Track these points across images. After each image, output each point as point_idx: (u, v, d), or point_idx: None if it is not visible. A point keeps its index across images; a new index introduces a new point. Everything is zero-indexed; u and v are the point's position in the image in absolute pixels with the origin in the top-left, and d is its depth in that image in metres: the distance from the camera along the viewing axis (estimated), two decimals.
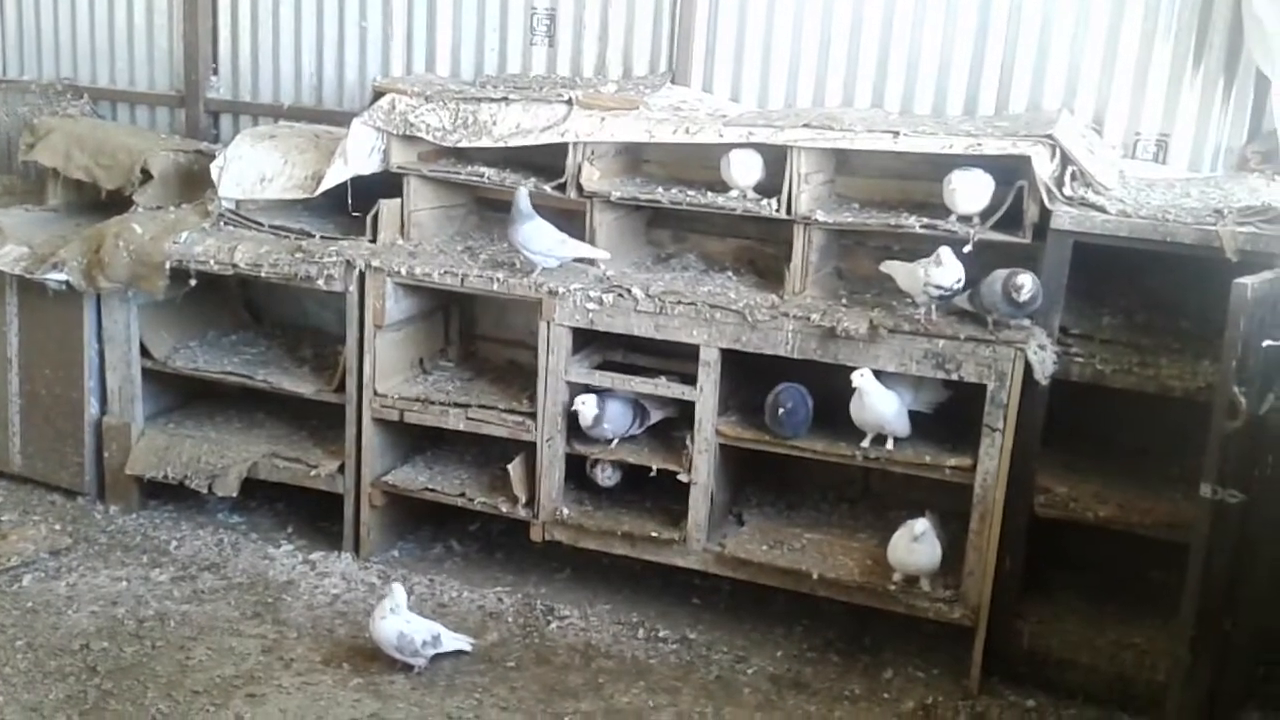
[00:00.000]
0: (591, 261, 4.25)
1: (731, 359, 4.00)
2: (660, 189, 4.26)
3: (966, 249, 3.81)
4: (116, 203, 4.98)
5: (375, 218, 4.46)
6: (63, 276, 4.61)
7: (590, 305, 4.08)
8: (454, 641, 3.91)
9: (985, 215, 3.83)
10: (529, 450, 4.25)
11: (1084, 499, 3.79)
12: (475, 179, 4.45)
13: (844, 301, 4.04)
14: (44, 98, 5.74)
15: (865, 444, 3.91)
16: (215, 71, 5.57)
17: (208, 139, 5.48)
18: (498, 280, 4.20)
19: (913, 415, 3.93)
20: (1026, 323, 3.73)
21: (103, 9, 5.73)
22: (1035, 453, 3.77)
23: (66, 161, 5.11)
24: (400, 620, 3.79)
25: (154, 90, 5.72)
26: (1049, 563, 4.12)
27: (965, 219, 3.86)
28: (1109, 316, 3.93)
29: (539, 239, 4.15)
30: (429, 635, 3.82)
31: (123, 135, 5.25)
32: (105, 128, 5.44)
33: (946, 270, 3.73)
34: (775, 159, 4.05)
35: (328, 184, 4.52)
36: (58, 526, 4.67)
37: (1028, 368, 3.67)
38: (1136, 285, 3.98)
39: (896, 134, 3.93)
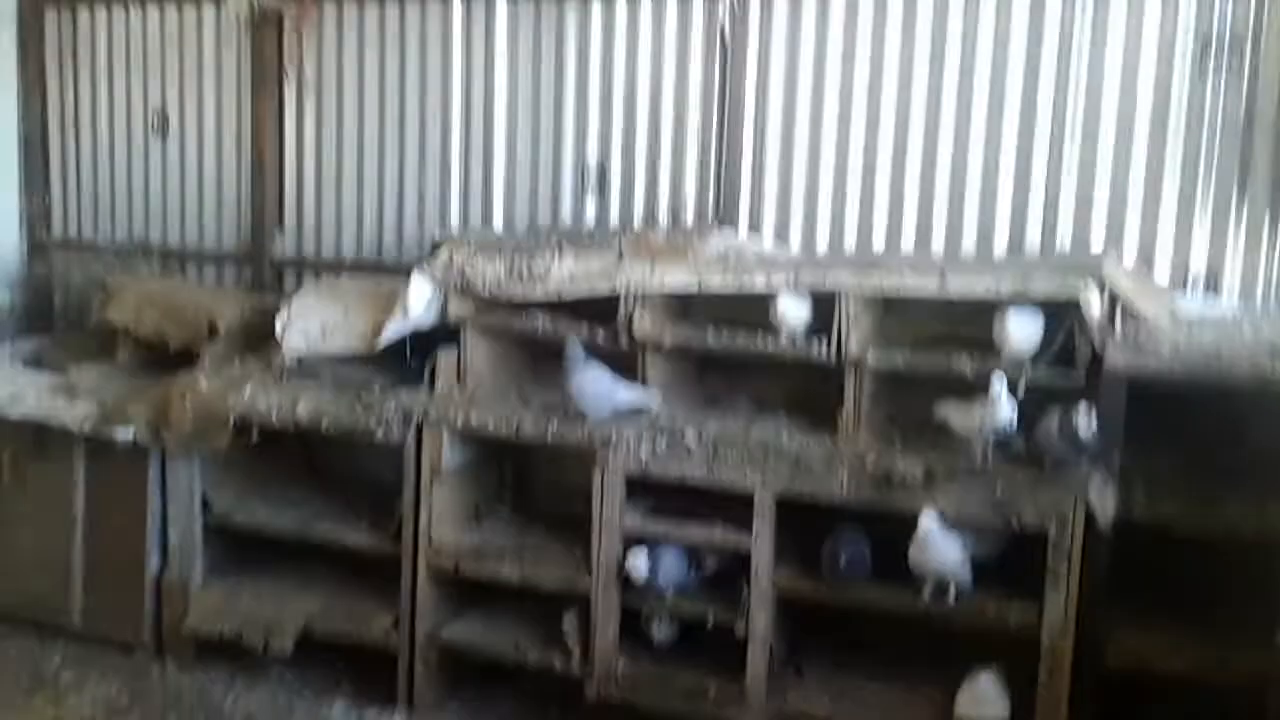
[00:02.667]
0: (644, 407, 4.28)
1: (786, 501, 3.96)
2: (711, 331, 4.28)
3: (1019, 390, 3.77)
4: (184, 358, 5.10)
5: (433, 369, 4.54)
6: (130, 434, 4.72)
7: (643, 452, 4.08)
8: None
9: (1037, 355, 3.81)
10: (583, 603, 4.21)
11: (1157, 651, 3.64)
12: (530, 329, 4.53)
13: (898, 444, 4.00)
14: (117, 258, 6.00)
15: (926, 595, 3.82)
16: (280, 229, 5.78)
17: (273, 294, 5.66)
18: (551, 431, 4.23)
19: (972, 561, 3.84)
20: (1085, 465, 3.66)
21: (175, 173, 6.00)
22: (1102, 600, 3.65)
23: (137, 319, 5.26)
24: None
25: (221, 249, 5.94)
26: (1123, 715, 3.94)
27: (1016, 359, 3.84)
28: (1169, 456, 3.84)
29: (592, 388, 4.19)
30: None
31: (191, 293, 5.43)
32: (174, 286, 5.64)
33: (1000, 408, 3.70)
34: (823, 299, 4.08)
35: (388, 338, 4.62)
36: (115, 687, 4.66)
37: (1089, 511, 3.59)
38: (1195, 422, 3.89)
39: (943, 275, 3.94)
